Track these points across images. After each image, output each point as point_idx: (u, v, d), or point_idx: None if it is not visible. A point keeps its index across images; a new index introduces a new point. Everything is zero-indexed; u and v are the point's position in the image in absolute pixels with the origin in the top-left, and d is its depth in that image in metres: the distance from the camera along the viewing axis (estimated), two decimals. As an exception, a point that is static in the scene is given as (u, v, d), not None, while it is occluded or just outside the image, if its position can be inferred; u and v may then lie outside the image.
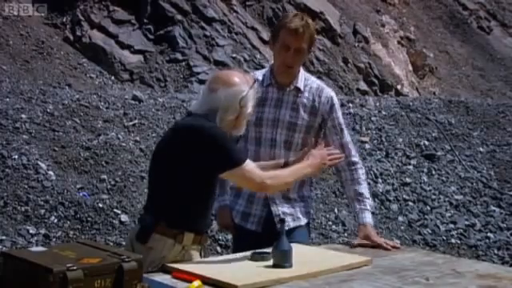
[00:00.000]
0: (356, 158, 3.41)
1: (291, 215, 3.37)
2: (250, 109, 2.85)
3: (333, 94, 3.43)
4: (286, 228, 3.24)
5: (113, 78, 10.66)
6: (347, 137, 3.41)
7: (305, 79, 3.40)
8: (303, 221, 3.41)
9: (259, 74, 3.44)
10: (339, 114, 3.40)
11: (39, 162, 6.34)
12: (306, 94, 3.36)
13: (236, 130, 2.90)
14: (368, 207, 3.36)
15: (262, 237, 3.19)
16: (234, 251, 3.33)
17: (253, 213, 3.34)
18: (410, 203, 7.43)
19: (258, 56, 11.45)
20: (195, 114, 2.87)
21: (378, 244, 3.24)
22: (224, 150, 2.76)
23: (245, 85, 2.83)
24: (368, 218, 3.33)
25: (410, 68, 14.46)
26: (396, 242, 3.47)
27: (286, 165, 3.33)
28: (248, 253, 2.89)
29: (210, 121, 2.80)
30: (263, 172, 2.83)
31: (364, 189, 3.38)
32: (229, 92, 2.80)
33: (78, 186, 6.19)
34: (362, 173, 3.41)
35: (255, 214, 3.34)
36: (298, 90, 3.36)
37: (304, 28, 3.22)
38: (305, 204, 3.43)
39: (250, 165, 2.79)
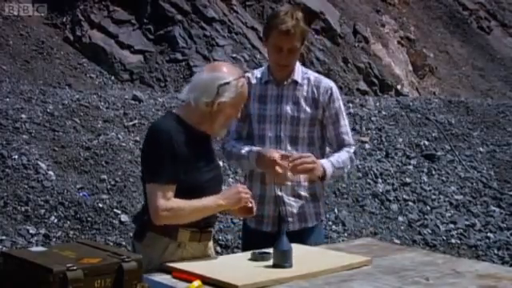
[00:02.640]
0: (349, 146, 3.36)
1: (298, 215, 3.32)
2: (227, 100, 2.77)
3: (332, 84, 3.39)
4: (291, 229, 3.24)
5: (113, 77, 10.66)
6: (343, 127, 3.35)
7: (302, 72, 3.38)
8: (311, 223, 3.36)
9: (258, 72, 3.42)
10: (337, 103, 3.35)
11: (39, 162, 6.34)
12: (305, 87, 3.33)
13: (213, 127, 2.85)
14: (332, 159, 3.27)
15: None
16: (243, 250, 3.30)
17: (266, 214, 3.30)
18: (410, 203, 7.43)
19: (258, 56, 11.45)
20: (171, 111, 2.94)
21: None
22: (147, 161, 2.78)
23: (230, 75, 2.80)
24: (324, 161, 3.24)
25: (410, 68, 14.46)
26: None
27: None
28: (248, 253, 2.88)
29: (181, 118, 2.80)
30: (169, 202, 2.70)
31: (340, 153, 3.31)
32: (211, 75, 2.79)
33: (78, 186, 6.18)
34: (346, 150, 3.34)
35: (268, 214, 3.30)
36: (296, 83, 3.34)
37: (295, 28, 3.18)
38: (315, 204, 3.36)
39: (160, 189, 2.69)
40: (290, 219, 3.29)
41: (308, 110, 3.31)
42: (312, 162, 3.13)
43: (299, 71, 3.37)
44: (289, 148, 3.29)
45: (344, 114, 3.40)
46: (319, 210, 3.41)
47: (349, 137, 3.38)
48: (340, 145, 3.36)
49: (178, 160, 2.71)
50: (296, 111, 3.30)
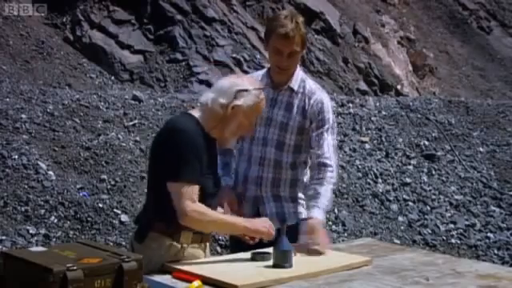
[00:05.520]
0: (329, 161, 3.26)
1: (277, 214, 3.33)
2: (243, 105, 2.80)
3: (324, 96, 3.36)
4: None
5: (113, 78, 10.66)
6: (327, 140, 3.29)
7: (300, 80, 3.38)
8: (290, 221, 3.34)
9: (257, 75, 3.44)
10: (327, 116, 3.32)
11: (39, 162, 6.34)
12: (300, 96, 3.35)
13: (224, 133, 2.86)
14: (321, 205, 3.19)
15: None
16: (231, 252, 3.33)
17: (243, 212, 3.32)
18: (410, 203, 7.43)
19: (258, 56, 11.45)
20: (189, 112, 2.92)
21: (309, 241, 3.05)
22: (173, 159, 2.73)
23: (250, 85, 2.87)
24: (318, 213, 3.15)
25: (410, 68, 14.46)
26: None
27: (277, 163, 3.32)
28: (248, 253, 2.89)
29: (198, 121, 2.80)
30: (198, 204, 2.72)
31: (325, 191, 3.21)
32: (232, 81, 2.88)
33: (78, 186, 6.18)
34: (329, 176, 3.25)
35: (245, 213, 3.30)
36: (291, 90, 3.35)
37: (294, 31, 3.19)
38: (294, 205, 3.39)
39: (188, 189, 2.69)
40: (268, 218, 3.30)
41: (297, 118, 3.33)
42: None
43: (298, 78, 3.37)
44: (273, 151, 3.32)
45: (332, 129, 3.35)
46: (299, 210, 3.42)
47: (330, 149, 3.30)
48: (319, 155, 3.27)
49: (198, 163, 2.74)
50: (286, 118, 3.33)
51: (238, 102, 2.80)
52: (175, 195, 2.71)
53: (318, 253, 2.97)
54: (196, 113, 2.87)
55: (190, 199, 2.70)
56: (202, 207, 2.74)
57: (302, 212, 3.46)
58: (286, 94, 3.35)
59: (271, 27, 3.27)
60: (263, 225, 2.86)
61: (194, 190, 2.72)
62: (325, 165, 3.27)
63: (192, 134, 2.73)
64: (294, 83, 3.36)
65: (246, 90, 2.82)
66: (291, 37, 3.19)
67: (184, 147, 2.71)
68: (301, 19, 3.27)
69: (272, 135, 3.33)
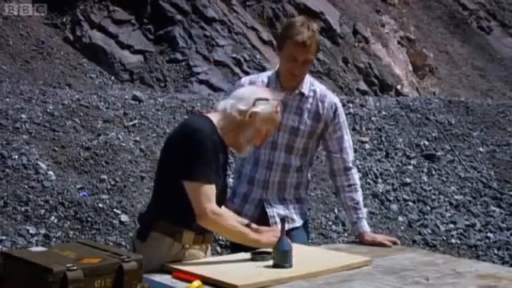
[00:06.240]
0: (352, 164, 3.43)
1: (285, 217, 3.35)
2: (260, 112, 2.83)
3: (336, 99, 3.43)
4: None
5: (113, 78, 10.66)
6: (346, 142, 3.41)
7: (310, 84, 3.40)
8: (298, 222, 3.40)
9: (264, 76, 3.44)
10: (341, 119, 3.40)
11: (39, 162, 6.34)
12: (310, 100, 3.36)
13: (238, 140, 2.87)
14: (365, 215, 3.45)
15: None
16: (231, 252, 3.33)
17: (244, 212, 3.32)
18: (410, 203, 7.43)
19: (258, 56, 11.45)
20: (206, 115, 2.92)
21: (381, 243, 3.33)
22: (191, 158, 2.73)
23: (269, 95, 2.90)
24: (366, 226, 3.43)
25: (410, 68, 14.47)
26: (397, 241, 3.49)
27: (286, 167, 3.35)
28: (248, 253, 2.89)
29: (214, 126, 2.81)
30: (215, 205, 2.73)
31: (360, 196, 3.42)
32: (251, 89, 2.97)
33: (78, 186, 6.18)
34: (357, 178, 3.43)
35: (246, 213, 3.31)
36: (302, 94, 3.36)
37: (311, 39, 3.21)
38: (300, 206, 3.42)
39: (207, 189, 2.71)
40: (276, 220, 3.31)
41: (308, 122, 3.35)
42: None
43: (307, 83, 3.39)
44: (283, 155, 3.34)
45: (347, 128, 3.47)
46: (304, 210, 3.48)
47: (352, 151, 3.47)
48: (345, 160, 3.41)
49: (215, 164, 2.76)
50: (297, 122, 3.34)
51: (257, 109, 2.83)
52: (193, 194, 2.72)
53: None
54: (213, 117, 2.88)
55: (208, 200, 2.71)
56: (220, 209, 2.76)
57: (307, 212, 3.53)
58: (296, 98, 3.36)
59: (287, 34, 3.26)
60: (275, 234, 2.84)
61: (212, 191, 2.73)
62: (351, 168, 3.42)
63: (209, 136, 2.75)
64: (305, 88, 3.37)
65: (265, 99, 2.85)
66: (308, 45, 3.20)
67: (203, 147, 2.72)
68: (315, 27, 3.30)
69: (282, 139, 3.33)
